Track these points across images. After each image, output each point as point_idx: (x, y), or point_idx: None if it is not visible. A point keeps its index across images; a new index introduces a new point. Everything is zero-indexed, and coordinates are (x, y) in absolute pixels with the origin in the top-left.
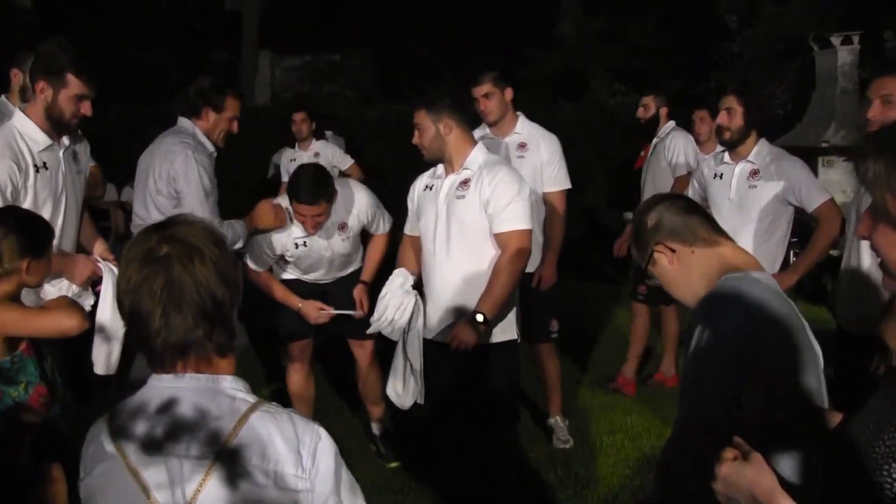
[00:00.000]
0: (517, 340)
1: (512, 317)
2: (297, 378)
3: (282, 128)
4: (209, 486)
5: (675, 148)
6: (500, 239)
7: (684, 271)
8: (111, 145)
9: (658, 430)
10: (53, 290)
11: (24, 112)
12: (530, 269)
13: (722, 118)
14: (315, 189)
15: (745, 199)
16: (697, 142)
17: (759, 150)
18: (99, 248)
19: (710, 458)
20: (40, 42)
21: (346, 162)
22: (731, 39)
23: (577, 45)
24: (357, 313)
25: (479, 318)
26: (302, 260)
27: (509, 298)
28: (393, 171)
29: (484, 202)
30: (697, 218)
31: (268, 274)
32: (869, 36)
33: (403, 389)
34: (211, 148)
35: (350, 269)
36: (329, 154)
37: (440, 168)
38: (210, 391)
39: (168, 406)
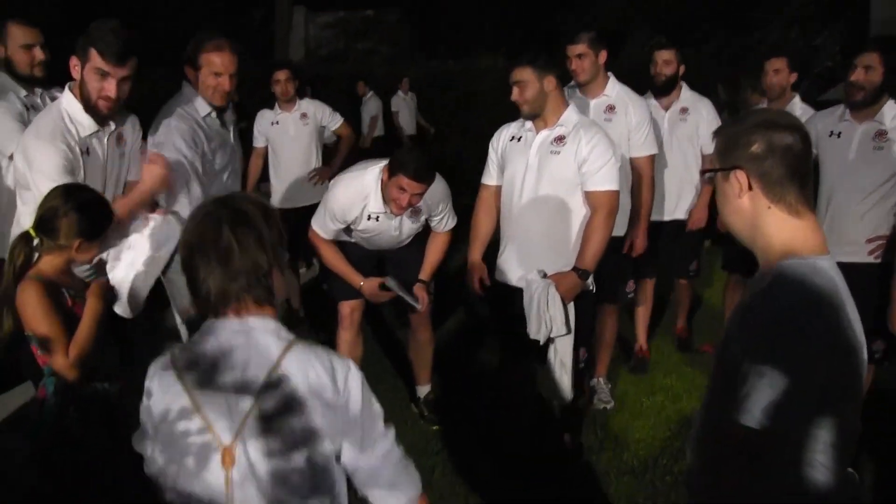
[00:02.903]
0: (593, 290)
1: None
2: (347, 339)
3: (319, 84)
4: (255, 414)
5: (710, 118)
6: (592, 197)
7: (750, 212)
8: (147, 113)
9: (699, 391)
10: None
11: (71, 92)
12: (619, 233)
13: (858, 76)
14: (427, 167)
15: (868, 161)
16: (767, 97)
17: (887, 111)
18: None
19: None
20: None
21: (336, 121)
22: None
23: None
24: (419, 306)
25: (584, 274)
26: (367, 233)
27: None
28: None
29: (580, 160)
30: (796, 185)
31: (333, 247)
32: None
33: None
34: (203, 111)
35: (409, 240)
36: (318, 113)
37: (528, 122)
38: (254, 330)
39: (218, 345)
